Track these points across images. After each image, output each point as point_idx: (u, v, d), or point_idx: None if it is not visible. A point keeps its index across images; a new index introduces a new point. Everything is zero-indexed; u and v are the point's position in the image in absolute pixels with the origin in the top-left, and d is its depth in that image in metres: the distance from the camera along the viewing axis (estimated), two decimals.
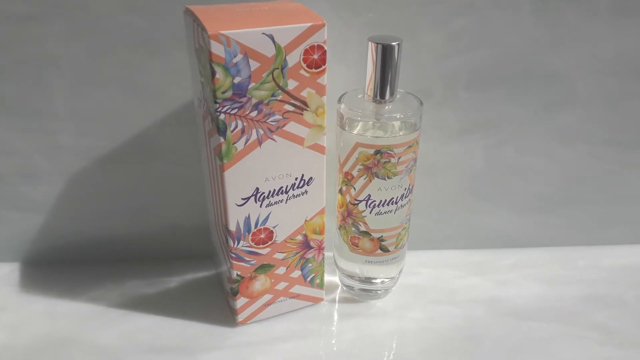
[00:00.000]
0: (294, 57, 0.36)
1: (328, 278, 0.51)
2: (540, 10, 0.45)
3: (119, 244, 0.54)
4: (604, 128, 0.51)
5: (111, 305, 0.49)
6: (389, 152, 0.41)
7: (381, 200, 0.43)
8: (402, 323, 0.47)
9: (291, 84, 0.37)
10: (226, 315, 0.47)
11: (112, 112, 0.47)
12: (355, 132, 0.41)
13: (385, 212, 0.43)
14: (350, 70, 0.46)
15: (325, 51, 0.37)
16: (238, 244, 0.42)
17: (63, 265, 0.53)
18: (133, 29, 0.44)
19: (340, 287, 0.51)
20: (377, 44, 0.39)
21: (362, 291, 0.49)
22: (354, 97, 0.43)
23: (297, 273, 0.46)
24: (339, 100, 0.42)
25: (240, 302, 0.45)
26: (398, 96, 0.42)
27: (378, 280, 0.48)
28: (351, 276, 0.48)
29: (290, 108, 0.38)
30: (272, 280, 0.45)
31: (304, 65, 0.37)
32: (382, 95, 0.41)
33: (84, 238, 0.53)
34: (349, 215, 0.45)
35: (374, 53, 0.39)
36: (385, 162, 0.41)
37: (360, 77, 0.43)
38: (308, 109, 0.39)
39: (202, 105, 0.40)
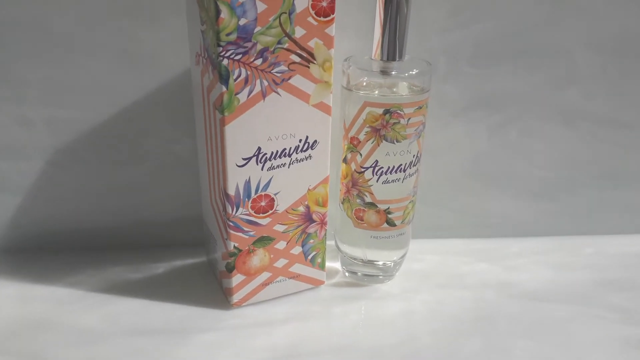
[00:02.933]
0: (302, 2, 0.35)
1: (329, 264, 0.48)
2: None
3: (101, 231, 0.50)
4: (608, 107, 0.50)
5: (92, 289, 0.45)
6: (398, 111, 0.39)
7: (389, 167, 0.41)
8: (411, 305, 0.44)
9: (298, 32, 0.35)
10: (220, 299, 0.43)
11: (102, 83, 0.45)
12: (362, 93, 0.39)
13: (392, 181, 0.41)
14: (358, 41, 0.45)
15: None
16: (237, 210, 0.39)
17: (40, 252, 0.49)
18: None
19: (341, 272, 0.47)
20: None
21: (366, 276, 0.46)
22: (361, 59, 0.41)
23: (297, 249, 0.43)
24: (346, 61, 0.41)
25: (236, 279, 0.41)
26: (406, 58, 0.40)
27: (380, 263, 0.45)
28: (354, 258, 0.45)
29: (297, 59, 0.36)
30: (272, 256, 0.42)
31: (312, 12, 0.35)
32: (391, 55, 0.39)
33: (64, 223, 0.49)
34: (353, 185, 0.42)
35: (381, 8, 0.38)
36: (395, 123, 0.39)
37: (367, 47, 0.41)
38: (315, 61, 0.37)
39: (201, 60, 0.38)
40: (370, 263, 0.45)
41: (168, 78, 0.45)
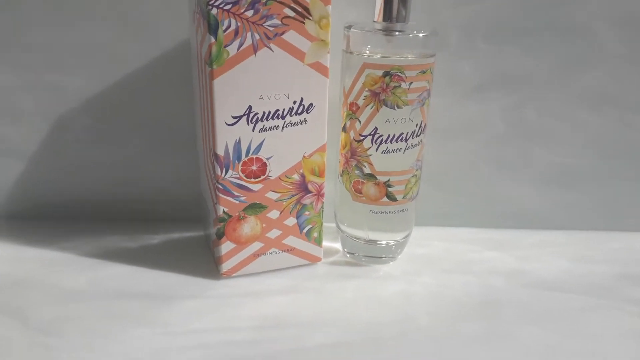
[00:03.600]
0: None
1: (329, 244, 0.46)
2: None
3: (101, 201, 0.49)
4: (636, 91, 0.46)
5: (84, 255, 0.44)
6: (399, 74, 0.37)
7: (389, 135, 0.38)
8: (412, 287, 0.41)
9: None
10: (211, 270, 0.42)
11: (105, 49, 0.44)
12: (362, 55, 0.38)
13: (393, 151, 0.39)
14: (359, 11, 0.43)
15: None
16: (226, 173, 0.37)
17: (40, 219, 0.49)
18: None
19: (341, 252, 0.45)
20: None
21: (368, 257, 0.44)
22: (363, 23, 0.39)
23: (292, 221, 0.41)
24: (347, 26, 0.39)
25: (225, 247, 0.40)
26: (411, 22, 0.38)
27: (383, 242, 0.43)
28: (355, 238, 0.43)
29: (291, 13, 0.35)
30: (264, 225, 0.40)
31: None
32: (394, 16, 0.37)
33: (65, 191, 0.49)
34: (352, 155, 0.40)
35: None
36: (395, 86, 0.37)
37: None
38: (310, 17, 0.35)
39: (195, 16, 0.37)
40: (372, 243, 0.43)
41: (169, 46, 0.45)
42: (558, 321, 0.37)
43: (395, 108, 0.38)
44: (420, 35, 0.38)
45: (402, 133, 0.38)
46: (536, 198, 0.50)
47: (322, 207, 0.41)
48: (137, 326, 0.35)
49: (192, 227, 0.48)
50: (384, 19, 0.37)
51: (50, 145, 0.47)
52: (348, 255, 0.44)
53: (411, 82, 0.37)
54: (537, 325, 0.37)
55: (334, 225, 0.45)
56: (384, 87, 0.37)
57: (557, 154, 0.48)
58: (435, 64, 0.39)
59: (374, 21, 0.38)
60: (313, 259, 0.43)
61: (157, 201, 0.49)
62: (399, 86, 0.37)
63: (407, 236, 0.44)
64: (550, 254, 0.46)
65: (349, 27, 0.38)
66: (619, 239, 0.49)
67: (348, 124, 0.40)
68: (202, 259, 0.43)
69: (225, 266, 0.40)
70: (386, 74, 0.37)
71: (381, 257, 0.44)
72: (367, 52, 0.38)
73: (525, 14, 0.44)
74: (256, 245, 0.40)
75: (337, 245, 0.46)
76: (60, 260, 0.43)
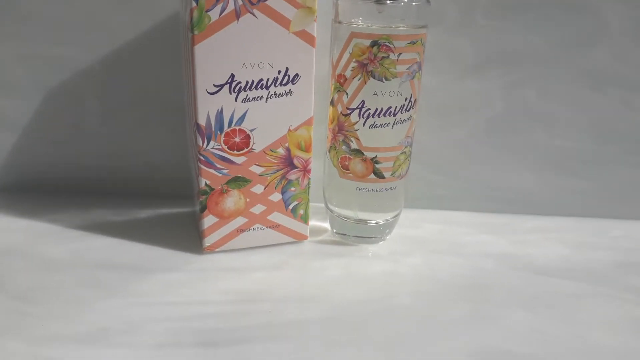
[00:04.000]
0: None
1: (318, 224, 0.45)
2: None
3: (93, 175, 0.49)
4: None
5: (70, 227, 0.44)
6: (387, 44, 0.35)
7: (377, 109, 0.37)
8: (397, 267, 0.40)
9: None
10: (195, 246, 0.41)
11: (98, 21, 0.44)
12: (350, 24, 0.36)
13: (380, 125, 0.38)
14: None
15: None
16: (208, 144, 0.37)
17: (31, 191, 0.49)
18: None
19: (330, 232, 0.44)
20: None
21: (357, 237, 0.42)
22: None
23: (277, 196, 0.40)
24: None
25: (208, 221, 0.39)
26: None
27: (373, 222, 0.42)
28: (345, 218, 0.42)
29: None
30: (248, 200, 0.39)
31: None
32: None
33: (57, 165, 0.49)
34: (339, 130, 0.39)
35: None
36: (383, 57, 0.36)
37: None
38: None
39: None
40: (361, 222, 0.41)
41: (161, 18, 0.44)
42: (547, 306, 0.36)
43: (384, 80, 0.36)
44: (413, 4, 0.36)
45: (391, 107, 0.37)
46: (536, 182, 0.48)
47: (308, 184, 0.40)
48: (113, 296, 0.35)
49: (181, 204, 0.48)
50: None
51: (41, 118, 0.47)
52: (337, 235, 0.43)
53: (400, 53, 0.36)
54: (525, 309, 0.35)
55: (323, 205, 0.44)
56: (372, 58, 0.36)
57: (558, 136, 0.46)
58: (427, 36, 0.38)
59: None
60: (299, 237, 0.42)
61: (148, 176, 0.49)
62: (388, 57, 0.36)
63: (396, 216, 0.42)
64: (548, 240, 0.44)
65: None
66: (621, 227, 0.47)
67: (336, 97, 0.39)
68: (188, 234, 0.43)
69: (208, 240, 0.40)
70: (374, 43, 0.35)
71: (370, 237, 0.43)
72: (357, 22, 0.37)
73: None
74: (240, 220, 0.40)
75: (326, 225, 0.45)
76: (46, 231, 0.43)
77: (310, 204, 0.45)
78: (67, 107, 0.46)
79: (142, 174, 0.49)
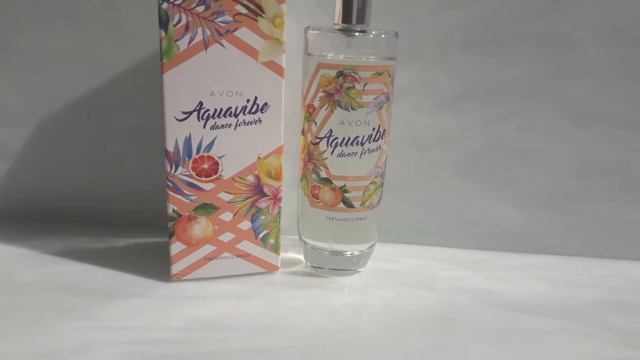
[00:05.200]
0: None
1: (293, 255, 0.45)
2: None
3: (77, 204, 0.50)
4: (626, 106, 0.44)
5: (46, 252, 0.44)
6: (352, 74, 0.36)
7: (344, 138, 0.37)
8: (366, 299, 0.39)
9: None
10: (165, 273, 0.41)
11: (87, 53, 0.46)
12: (317, 55, 0.37)
13: (348, 154, 0.38)
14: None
15: None
16: (176, 170, 0.37)
17: (14, 218, 0.50)
18: None
19: (303, 264, 0.44)
20: None
21: (331, 270, 0.42)
22: (323, 25, 0.39)
23: (246, 224, 0.40)
24: (306, 28, 0.39)
25: (175, 247, 0.39)
26: (372, 29, 0.38)
27: (347, 253, 0.41)
28: (320, 250, 0.41)
29: (243, 10, 0.35)
30: (216, 227, 0.39)
31: None
32: (353, 17, 0.37)
33: (43, 192, 0.50)
34: (309, 159, 0.39)
35: None
36: (349, 87, 0.36)
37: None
38: (263, 15, 0.35)
39: None
40: (335, 254, 0.41)
41: (149, 52, 0.46)
42: (515, 342, 0.34)
43: (350, 110, 0.37)
44: (382, 36, 0.37)
45: (358, 136, 0.37)
46: (519, 218, 0.47)
47: (279, 212, 0.40)
48: (73, 319, 0.35)
49: (160, 233, 0.48)
50: (344, 21, 0.37)
51: (28, 147, 0.48)
52: (311, 268, 0.43)
53: (366, 84, 0.36)
54: (491, 344, 0.34)
55: (296, 237, 0.44)
56: (338, 88, 0.36)
57: (541, 172, 0.46)
58: (395, 69, 0.38)
59: (334, 24, 0.38)
60: (270, 267, 0.41)
61: (129, 205, 0.49)
62: (353, 87, 0.36)
63: (371, 247, 0.42)
64: (527, 277, 0.43)
65: (308, 28, 0.38)
66: (606, 266, 0.46)
67: (306, 126, 0.39)
68: (160, 262, 0.42)
69: (175, 268, 0.39)
70: (340, 74, 0.36)
71: (345, 270, 0.42)
72: (327, 55, 0.37)
73: (504, 24, 0.42)
74: (208, 248, 0.40)
75: (301, 257, 0.44)
76: (24, 256, 0.43)
77: (287, 236, 0.44)
78: (53, 136, 0.48)
79: (124, 204, 0.49)
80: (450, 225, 0.48)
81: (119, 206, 0.49)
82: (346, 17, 0.37)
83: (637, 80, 0.43)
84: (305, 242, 0.42)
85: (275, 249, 0.41)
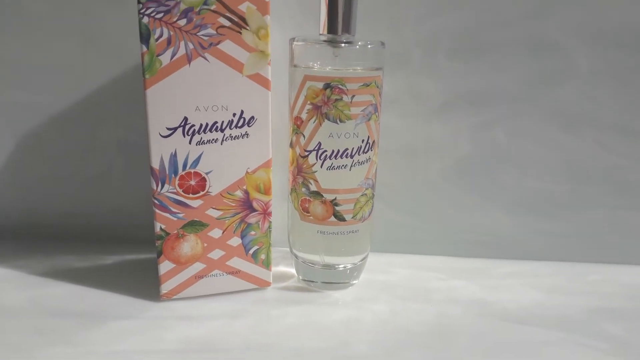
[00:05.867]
0: None
1: (285, 269, 0.44)
2: None
3: (61, 221, 0.49)
4: (615, 110, 0.43)
5: (33, 273, 0.43)
6: (340, 86, 0.35)
7: (333, 151, 0.37)
8: (359, 313, 0.38)
9: None
10: (155, 292, 0.40)
11: (67, 66, 0.45)
12: (304, 67, 0.37)
13: (338, 167, 0.37)
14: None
15: None
16: (162, 187, 0.36)
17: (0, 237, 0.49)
18: None
19: (295, 278, 0.43)
20: None
21: (323, 284, 0.41)
22: (309, 36, 0.38)
23: (236, 241, 0.39)
24: (291, 40, 0.38)
25: (164, 267, 0.38)
26: (358, 39, 0.37)
27: (340, 266, 0.40)
28: (312, 263, 0.41)
29: (226, 23, 0.34)
30: (205, 245, 0.38)
31: None
32: (341, 27, 0.36)
33: (27, 210, 0.49)
34: (299, 172, 0.38)
35: None
36: (337, 99, 0.36)
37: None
38: (247, 27, 0.35)
39: None
40: (327, 267, 0.40)
41: (132, 64, 0.45)
42: (511, 353, 0.34)
43: (338, 122, 0.36)
44: (369, 47, 0.37)
45: (347, 149, 0.37)
46: (510, 225, 0.47)
47: (269, 227, 0.39)
48: (60, 344, 0.34)
49: (148, 249, 0.47)
50: (329, 31, 0.36)
51: (7, 164, 0.47)
52: (303, 282, 0.42)
53: (353, 95, 0.36)
54: (486, 356, 0.33)
55: (288, 249, 0.43)
56: (325, 100, 0.36)
57: (531, 178, 0.45)
58: (382, 79, 0.38)
59: (320, 34, 0.37)
60: (261, 283, 0.41)
61: (114, 222, 0.48)
62: (341, 99, 0.36)
63: (364, 259, 0.41)
64: (522, 285, 0.43)
65: (293, 39, 0.37)
66: (599, 271, 0.45)
67: (294, 139, 0.38)
68: (149, 280, 0.42)
69: (165, 287, 0.39)
70: (327, 86, 0.35)
71: (337, 283, 0.41)
72: (313, 66, 0.37)
73: (491, 31, 0.42)
74: (198, 266, 0.39)
75: (293, 271, 0.44)
76: (8, 277, 0.42)
77: (278, 248, 0.44)
78: (34, 152, 0.47)
79: (108, 220, 0.48)
80: (442, 233, 0.47)
81: (104, 222, 0.48)
82: (331, 27, 0.36)
83: (624, 84, 0.43)
84: (296, 256, 0.41)
85: (267, 264, 0.40)
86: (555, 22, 0.42)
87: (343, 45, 0.36)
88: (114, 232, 0.48)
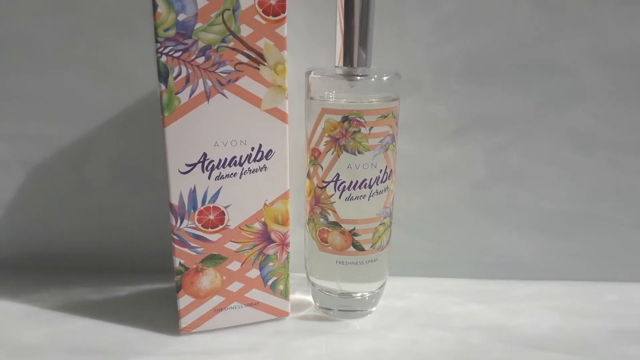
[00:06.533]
0: None
1: (301, 297, 0.44)
2: None
3: (74, 251, 0.48)
4: (624, 131, 0.44)
5: (48, 307, 0.43)
6: (358, 119, 0.35)
7: (352, 182, 0.37)
8: (380, 343, 0.38)
9: (245, 31, 0.34)
10: (174, 325, 0.40)
11: (79, 98, 0.44)
12: (321, 99, 0.37)
13: (357, 198, 0.37)
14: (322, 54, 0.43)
15: None
16: (181, 223, 0.36)
17: (8, 271, 0.48)
18: (104, 6, 0.42)
19: (313, 306, 0.43)
20: None
21: (341, 312, 0.41)
22: (324, 68, 0.38)
23: (255, 273, 0.39)
24: (307, 71, 0.38)
25: (183, 301, 0.38)
26: (374, 67, 0.37)
27: (357, 294, 0.40)
28: (328, 292, 0.41)
29: (244, 59, 0.34)
30: (224, 278, 0.38)
31: (260, 10, 0.34)
32: (356, 60, 0.36)
33: (37, 241, 0.48)
34: (317, 203, 0.38)
35: (342, 9, 0.36)
36: (355, 131, 0.36)
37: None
38: (265, 63, 0.35)
39: None
40: (345, 295, 0.40)
41: (142, 94, 0.45)
42: None
43: (356, 154, 0.36)
44: (384, 78, 0.37)
45: (365, 179, 0.37)
46: (525, 246, 0.47)
47: (287, 258, 0.39)
48: None
49: (164, 279, 0.47)
50: (345, 64, 0.37)
51: (22, 194, 0.47)
52: (320, 310, 0.42)
53: (371, 127, 0.36)
54: None
55: (305, 275, 0.43)
56: (344, 133, 0.36)
57: (545, 198, 0.45)
58: (401, 110, 0.38)
59: (335, 66, 0.37)
60: (280, 314, 0.41)
61: (129, 251, 0.48)
62: (359, 131, 0.36)
63: (382, 286, 0.41)
64: (540, 308, 0.43)
65: (309, 72, 0.37)
66: (614, 291, 0.45)
67: (311, 170, 0.38)
68: (167, 312, 0.41)
69: (184, 322, 0.38)
70: (345, 119, 0.35)
71: (355, 311, 0.41)
72: (329, 98, 0.37)
73: (501, 54, 0.42)
74: (217, 300, 0.39)
75: (310, 298, 0.43)
76: (24, 313, 0.42)
77: (294, 274, 0.44)
78: (46, 183, 0.47)
79: (123, 250, 0.48)
80: (457, 255, 0.47)
81: (118, 252, 0.48)
82: (347, 59, 0.36)
83: (634, 103, 0.43)
84: (313, 284, 0.41)
85: (285, 294, 0.40)
86: (564, 44, 0.42)
87: (359, 78, 0.36)
88: (127, 262, 0.48)
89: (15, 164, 0.46)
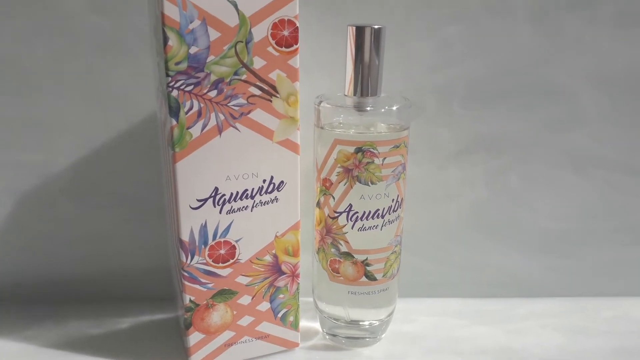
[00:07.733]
0: (260, 31, 0.32)
1: (308, 324, 0.43)
2: (536, 18, 0.41)
3: (67, 282, 0.47)
4: (622, 152, 0.45)
5: (46, 345, 0.41)
6: (371, 150, 0.35)
7: (364, 212, 0.36)
8: None
9: (257, 63, 0.33)
10: (180, 358, 0.39)
11: (70, 123, 0.43)
12: (333, 130, 0.36)
13: (369, 228, 0.37)
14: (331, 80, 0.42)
15: (297, 28, 0.33)
16: (192, 259, 0.35)
17: (2, 303, 0.46)
18: (97, 30, 0.41)
19: (321, 334, 0.42)
20: (357, 27, 0.35)
21: (349, 339, 0.41)
22: (333, 96, 0.38)
23: (265, 305, 0.38)
24: (317, 98, 0.37)
25: (193, 338, 0.37)
26: (383, 95, 0.37)
27: (366, 323, 0.40)
28: (335, 319, 0.40)
29: (257, 92, 0.33)
30: (234, 313, 0.37)
31: (273, 42, 0.33)
32: (365, 90, 0.36)
33: (29, 272, 0.46)
34: (327, 233, 0.38)
35: (353, 40, 0.35)
36: (368, 162, 0.35)
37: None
38: (278, 95, 0.34)
39: (159, 95, 0.35)
40: (353, 323, 0.40)
41: (138, 119, 0.43)
42: None
43: (370, 184, 0.36)
44: (394, 108, 0.36)
45: (378, 209, 0.37)
46: (525, 265, 0.47)
47: (297, 289, 0.39)
48: None
49: (163, 307, 0.45)
50: (354, 93, 0.36)
51: (11, 224, 0.45)
52: (328, 337, 0.42)
53: (385, 158, 0.35)
54: None
55: (312, 299, 0.42)
56: (357, 164, 0.35)
57: (544, 218, 0.46)
58: (409, 137, 0.37)
59: (345, 95, 0.37)
60: (290, 345, 0.40)
61: (126, 279, 0.47)
62: (372, 162, 0.35)
63: (390, 314, 0.41)
64: (542, 327, 0.44)
65: (319, 101, 0.37)
66: (612, 306, 0.47)
67: (322, 200, 0.38)
68: (172, 346, 0.40)
69: (194, 358, 0.37)
70: (358, 150, 0.35)
71: (364, 339, 0.41)
72: (339, 125, 0.36)
73: (501, 78, 0.43)
74: (227, 335, 0.38)
75: (317, 325, 0.43)
76: (21, 352, 0.40)
77: (301, 299, 0.43)
78: (35, 213, 0.45)
79: (119, 279, 0.46)
80: (460, 275, 0.48)
81: (115, 282, 0.47)
82: (357, 89, 0.36)
83: (630, 126, 0.44)
84: (321, 311, 0.41)
85: (295, 326, 0.40)
86: (564, 68, 0.43)
87: (369, 108, 0.36)
88: (126, 292, 0.47)
89: (4, 193, 0.44)
